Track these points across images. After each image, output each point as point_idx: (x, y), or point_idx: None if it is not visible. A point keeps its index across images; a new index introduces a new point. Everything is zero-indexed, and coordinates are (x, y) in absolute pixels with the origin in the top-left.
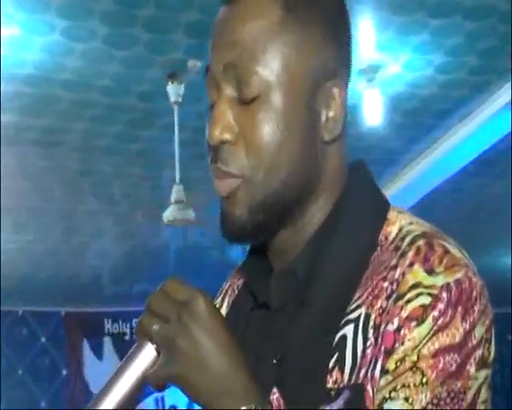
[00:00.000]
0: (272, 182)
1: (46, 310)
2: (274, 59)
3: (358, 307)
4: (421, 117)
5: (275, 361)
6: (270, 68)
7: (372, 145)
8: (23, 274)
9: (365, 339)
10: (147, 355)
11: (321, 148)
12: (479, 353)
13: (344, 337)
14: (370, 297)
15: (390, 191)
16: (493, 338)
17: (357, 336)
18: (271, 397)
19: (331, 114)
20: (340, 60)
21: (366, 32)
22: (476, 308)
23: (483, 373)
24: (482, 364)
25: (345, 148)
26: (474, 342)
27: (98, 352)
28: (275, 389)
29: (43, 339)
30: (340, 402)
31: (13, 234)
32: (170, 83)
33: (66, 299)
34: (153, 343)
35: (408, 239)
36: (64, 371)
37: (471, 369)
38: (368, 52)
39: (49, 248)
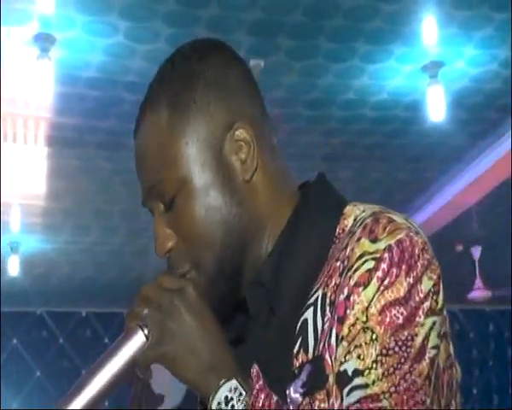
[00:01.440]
0: (215, 255)
1: (109, 311)
2: (174, 157)
3: (316, 291)
4: (485, 112)
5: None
6: (174, 167)
7: (436, 142)
8: (86, 276)
9: (323, 316)
10: (137, 340)
11: (246, 188)
12: (426, 304)
13: (305, 321)
14: (326, 279)
15: (456, 188)
16: (442, 290)
17: (316, 317)
18: (252, 370)
19: (243, 155)
20: (232, 108)
21: (429, 28)
22: (419, 264)
23: (430, 320)
24: (430, 313)
25: (272, 165)
26: (421, 295)
27: None
28: (255, 364)
29: (107, 340)
30: (303, 377)
31: (75, 236)
32: None
33: (129, 300)
34: (143, 329)
35: (359, 223)
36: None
37: (418, 318)
38: (431, 48)
39: (112, 249)
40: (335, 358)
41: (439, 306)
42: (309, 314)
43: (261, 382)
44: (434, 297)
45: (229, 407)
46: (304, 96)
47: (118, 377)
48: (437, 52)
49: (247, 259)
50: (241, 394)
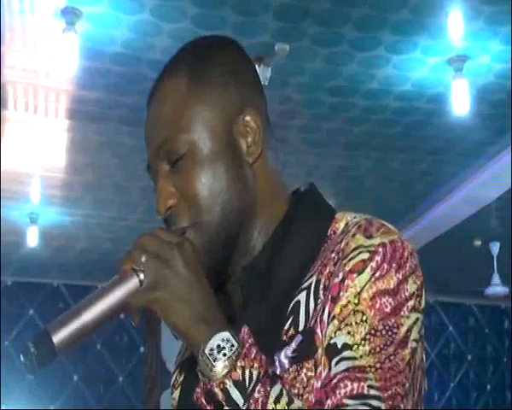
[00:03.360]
0: (214, 219)
1: None
2: (188, 120)
3: (310, 277)
4: (508, 109)
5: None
6: (187, 130)
7: (458, 136)
8: (104, 250)
9: (316, 299)
10: (131, 283)
11: (249, 171)
12: (411, 303)
13: (297, 302)
14: (320, 267)
15: (476, 182)
16: (424, 295)
17: (309, 299)
18: (242, 330)
19: (250, 139)
20: (245, 95)
21: (455, 22)
22: (407, 266)
23: (414, 315)
24: (414, 310)
25: (272, 163)
26: (407, 294)
27: None
28: (244, 326)
29: (122, 315)
30: (293, 345)
31: (95, 210)
32: (257, 66)
33: None
34: (138, 274)
35: (353, 224)
36: (141, 349)
37: (403, 311)
38: (456, 42)
39: (130, 225)
40: (325, 334)
41: (422, 307)
42: (302, 297)
43: (252, 339)
44: (418, 299)
45: (220, 355)
46: (327, 82)
47: (105, 316)
48: (462, 46)
49: (240, 236)
50: (232, 345)
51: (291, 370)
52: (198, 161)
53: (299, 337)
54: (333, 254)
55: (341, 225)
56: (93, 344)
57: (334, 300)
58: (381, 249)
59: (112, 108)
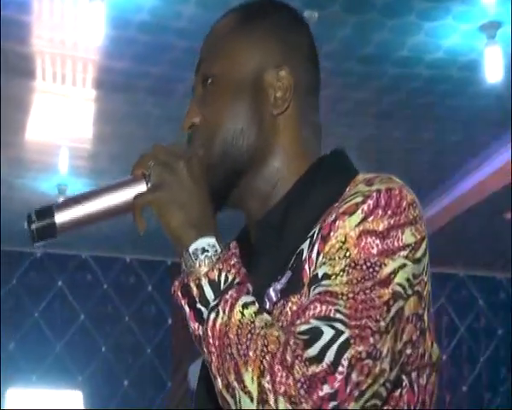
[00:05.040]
0: (222, 147)
1: (153, 259)
2: (225, 50)
3: (315, 227)
4: None
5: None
6: (221, 57)
7: (492, 105)
8: (131, 222)
9: (315, 243)
10: (139, 186)
11: (270, 121)
12: (403, 253)
13: (301, 251)
14: (324, 216)
15: (509, 153)
16: (422, 251)
17: (310, 245)
18: (231, 243)
19: (279, 94)
20: (287, 54)
21: None
22: (404, 215)
23: (402, 260)
24: (404, 257)
25: (305, 119)
26: (400, 243)
27: None
28: (234, 241)
29: (150, 288)
30: (283, 281)
31: None
32: None
33: (173, 250)
34: (146, 180)
35: (362, 179)
36: (169, 321)
37: (390, 254)
38: (489, 7)
39: None
40: (313, 269)
41: (415, 257)
42: (305, 245)
43: (237, 251)
44: (413, 252)
45: (203, 256)
46: (357, 51)
47: (109, 211)
48: (495, 12)
49: (245, 177)
50: (216, 250)
51: (278, 305)
52: (222, 90)
53: (288, 273)
54: (336, 204)
55: (359, 184)
56: (121, 316)
57: (324, 239)
58: (375, 194)
59: (139, 78)
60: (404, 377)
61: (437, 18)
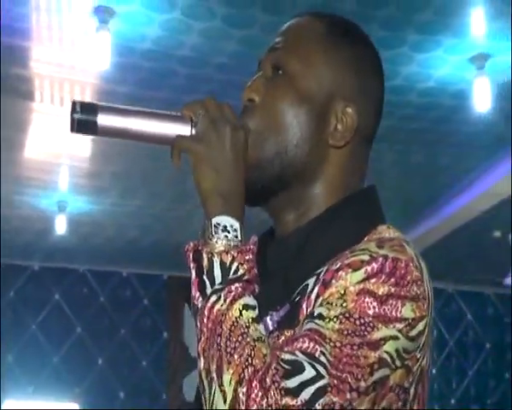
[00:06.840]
0: (272, 144)
1: (149, 273)
2: (308, 56)
3: (323, 266)
4: None
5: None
6: (303, 58)
7: (480, 131)
8: (130, 238)
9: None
10: (183, 127)
11: (322, 148)
12: (398, 325)
13: (306, 285)
14: (334, 259)
15: (496, 175)
16: (419, 329)
17: (313, 286)
18: (251, 238)
19: (340, 127)
20: (358, 93)
21: (477, 20)
22: (406, 289)
23: (394, 332)
24: (397, 330)
25: (355, 164)
26: (398, 314)
27: None
28: (254, 236)
29: (146, 301)
30: (280, 312)
31: (122, 199)
32: None
33: (170, 264)
34: (192, 124)
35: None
36: (165, 334)
37: (385, 321)
38: (478, 40)
39: (157, 214)
40: (310, 309)
41: (411, 336)
42: (311, 281)
43: (255, 248)
44: (408, 327)
45: (222, 234)
46: None
47: (148, 136)
48: (484, 44)
49: (289, 187)
50: (236, 236)
51: (273, 335)
52: (291, 88)
53: (287, 307)
54: (346, 252)
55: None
56: (118, 329)
57: (325, 284)
58: (380, 259)
59: (142, 103)
60: None
61: (428, 50)
